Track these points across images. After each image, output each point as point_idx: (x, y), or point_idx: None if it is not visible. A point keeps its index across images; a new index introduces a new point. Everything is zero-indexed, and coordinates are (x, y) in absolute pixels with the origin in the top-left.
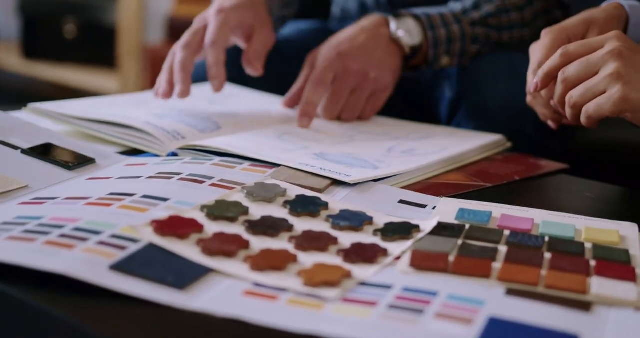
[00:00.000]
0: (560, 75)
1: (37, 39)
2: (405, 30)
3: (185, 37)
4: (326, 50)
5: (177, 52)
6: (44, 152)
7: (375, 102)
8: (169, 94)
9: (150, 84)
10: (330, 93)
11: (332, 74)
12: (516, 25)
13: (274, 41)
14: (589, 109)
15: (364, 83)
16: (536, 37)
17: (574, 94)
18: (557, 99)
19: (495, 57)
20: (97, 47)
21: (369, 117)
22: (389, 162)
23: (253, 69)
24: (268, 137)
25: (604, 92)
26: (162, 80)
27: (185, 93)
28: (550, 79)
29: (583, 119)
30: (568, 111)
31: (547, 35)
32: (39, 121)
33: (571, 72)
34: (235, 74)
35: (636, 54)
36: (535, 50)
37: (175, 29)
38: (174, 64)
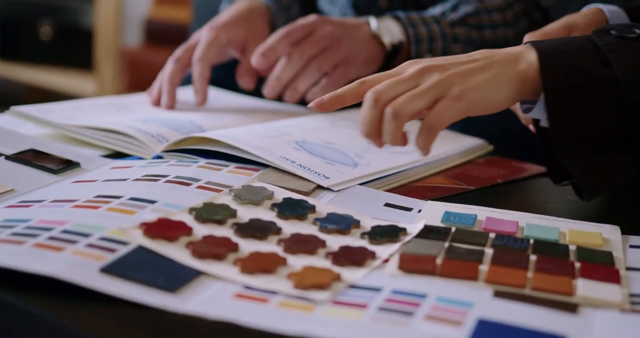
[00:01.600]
0: (370, 96)
1: (13, 41)
2: (386, 29)
3: (178, 51)
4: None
5: (167, 65)
6: (28, 157)
7: (338, 76)
8: (157, 101)
9: (128, 86)
10: (293, 51)
11: (303, 32)
12: (498, 24)
13: None
14: (430, 119)
15: (331, 50)
16: (520, 38)
17: (396, 105)
18: (370, 119)
19: None
20: (73, 49)
21: (324, 92)
22: (368, 159)
23: (244, 84)
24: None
25: (433, 103)
26: (155, 87)
27: (169, 104)
28: (341, 102)
29: (424, 133)
30: (392, 126)
31: (529, 40)
32: (21, 123)
33: (383, 90)
34: (222, 76)
35: (445, 61)
36: None
37: (153, 31)
38: (163, 76)
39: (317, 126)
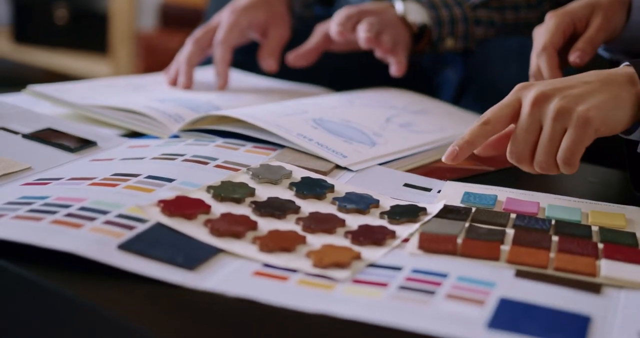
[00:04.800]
0: (514, 161)
1: (28, 25)
2: (411, 10)
3: (197, 32)
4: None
5: (186, 45)
6: (46, 136)
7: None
8: (174, 81)
9: (143, 70)
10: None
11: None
12: (521, 6)
13: (288, 37)
14: (566, 157)
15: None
16: (542, 20)
17: (541, 165)
18: (517, 157)
19: (505, 41)
20: (89, 33)
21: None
22: (386, 138)
23: (267, 66)
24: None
25: (564, 132)
26: (173, 67)
27: (186, 85)
28: (472, 148)
29: (564, 168)
30: (548, 172)
31: (551, 19)
32: (37, 103)
33: (521, 150)
34: (240, 59)
35: (559, 84)
36: (539, 34)
37: (168, 15)
38: (181, 56)
39: (335, 104)
